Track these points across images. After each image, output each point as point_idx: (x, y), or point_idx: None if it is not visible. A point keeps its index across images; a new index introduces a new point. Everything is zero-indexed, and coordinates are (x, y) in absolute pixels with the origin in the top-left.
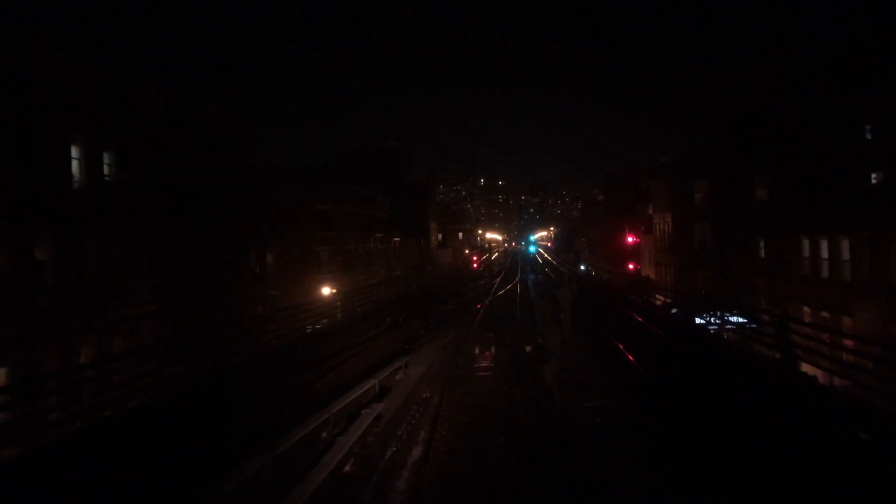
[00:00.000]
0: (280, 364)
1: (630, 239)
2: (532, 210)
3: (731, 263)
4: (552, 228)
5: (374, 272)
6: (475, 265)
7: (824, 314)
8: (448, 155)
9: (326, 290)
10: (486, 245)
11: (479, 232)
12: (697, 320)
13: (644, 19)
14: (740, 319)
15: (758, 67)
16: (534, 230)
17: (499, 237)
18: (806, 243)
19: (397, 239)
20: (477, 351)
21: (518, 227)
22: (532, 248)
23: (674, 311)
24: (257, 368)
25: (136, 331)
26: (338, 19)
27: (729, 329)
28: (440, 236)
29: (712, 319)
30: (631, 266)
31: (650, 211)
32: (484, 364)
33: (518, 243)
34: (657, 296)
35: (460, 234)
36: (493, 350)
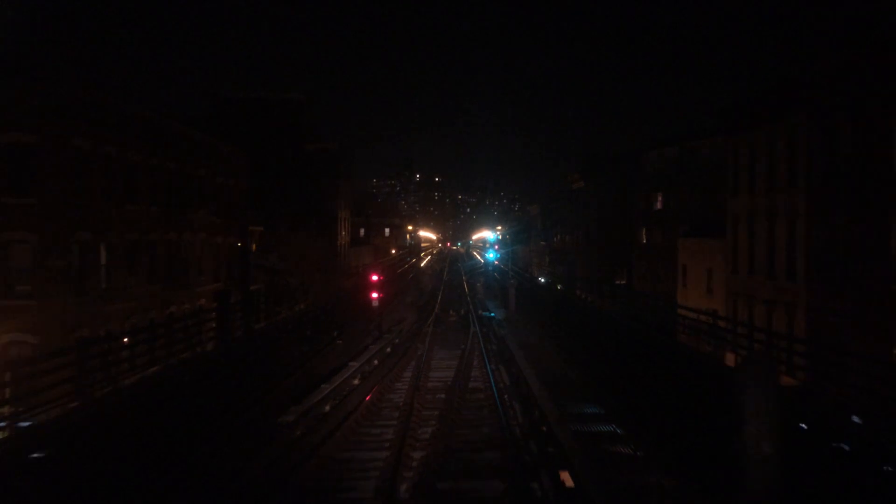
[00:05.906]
0: None
1: None
2: (469, 210)
3: None
4: (499, 228)
5: (160, 295)
6: (376, 297)
7: None
8: (384, 147)
9: None
10: (418, 245)
11: (410, 228)
12: None
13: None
14: None
15: None
16: (472, 230)
17: (433, 236)
18: None
19: (259, 228)
20: None
21: (454, 227)
22: (492, 256)
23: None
24: None
25: None
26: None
27: None
28: (362, 231)
29: None
30: None
31: (658, 205)
32: None
33: (454, 244)
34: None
35: (387, 231)
36: None
